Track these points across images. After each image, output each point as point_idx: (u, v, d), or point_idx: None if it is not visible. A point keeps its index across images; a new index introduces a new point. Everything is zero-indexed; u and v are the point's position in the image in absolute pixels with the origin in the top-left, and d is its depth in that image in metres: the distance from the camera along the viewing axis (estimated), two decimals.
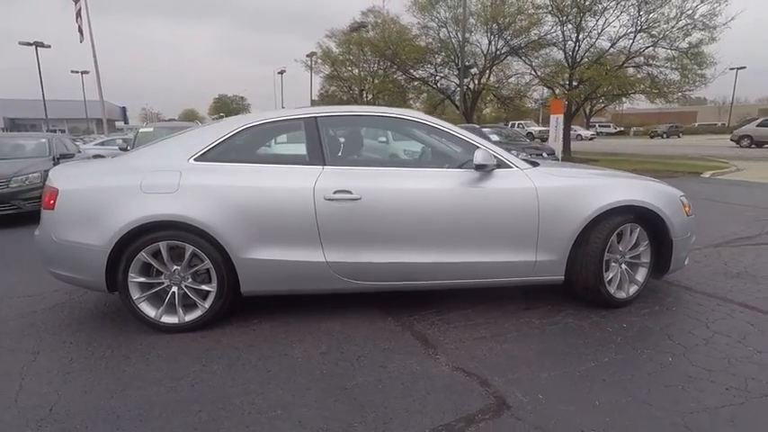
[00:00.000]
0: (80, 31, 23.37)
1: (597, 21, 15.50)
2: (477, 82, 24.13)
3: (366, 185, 2.74)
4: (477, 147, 2.83)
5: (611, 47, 16.05)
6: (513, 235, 2.84)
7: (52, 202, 2.70)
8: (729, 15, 13.79)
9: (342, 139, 3.11)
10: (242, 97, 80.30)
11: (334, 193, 2.71)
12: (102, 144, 17.53)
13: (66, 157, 7.88)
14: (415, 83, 26.00)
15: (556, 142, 12.39)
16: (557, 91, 18.22)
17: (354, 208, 2.72)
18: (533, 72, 19.47)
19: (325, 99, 35.19)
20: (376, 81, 33.50)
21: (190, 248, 2.67)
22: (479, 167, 2.76)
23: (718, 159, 14.64)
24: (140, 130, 9.10)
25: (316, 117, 2.92)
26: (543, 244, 2.86)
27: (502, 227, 2.82)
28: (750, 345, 2.45)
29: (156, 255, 2.69)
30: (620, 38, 15.56)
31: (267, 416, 1.90)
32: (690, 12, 14.10)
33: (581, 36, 16.25)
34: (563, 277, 2.95)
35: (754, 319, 2.79)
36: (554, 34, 17.44)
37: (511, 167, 2.91)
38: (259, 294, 2.84)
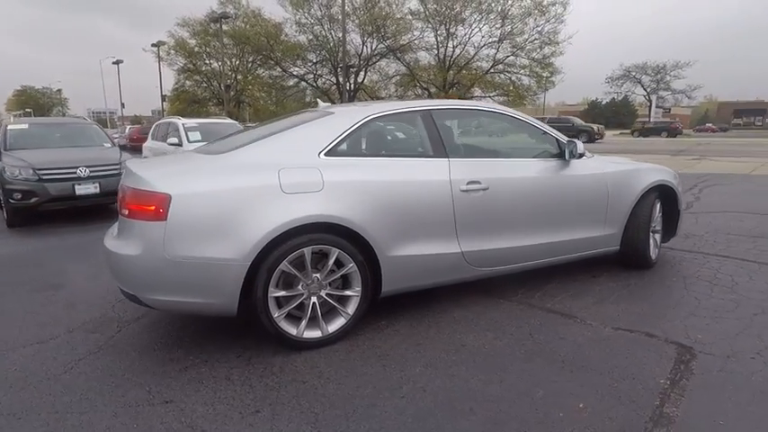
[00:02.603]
0: None
1: (466, 31, 17.77)
2: (353, 81, 24.81)
3: (490, 176, 2.87)
4: (572, 140, 3.20)
5: (475, 54, 18.51)
6: (593, 213, 3.30)
7: (162, 210, 2.16)
8: (568, 34, 17.12)
9: (453, 132, 3.15)
10: (58, 90, 66.51)
11: (467, 184, 2.78)
12: None
13: None
14: (291, 80, 25.37)
15: None
16: (432, 90, 20.14)
17: (484, 198, 2.83)
18: (410, 73, 21.01)
19: (182, 95, 31.66)
20: (239, 77, 31.58)
21: (335, 252, 2.43)
22: (581, 156, 3.15)
23: None
24: (10, 127, 7.06)
25: (430, 110, 2.91)
26: (609, 220, 3.39)
27: (586, 207, 3.26)
28: (762, 280, 3.36)
29: (295, 263, 2.38)
30: (483, 46, 18.12)
31: (554, 397, 1.96)
32: (539, 29, 17.13)
33: (453, 42, 18.32)
34: (619, 247, 3.53)
35: (739, 264, 3.76)
36: (428, 39, 19.28)
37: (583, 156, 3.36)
38: (394, 294, 2.73)
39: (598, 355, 2.31)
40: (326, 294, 2.49)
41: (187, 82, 31.51)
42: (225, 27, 26.59)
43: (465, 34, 18.68)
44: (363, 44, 24.20)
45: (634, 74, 45.54)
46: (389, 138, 3.09)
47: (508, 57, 18.33)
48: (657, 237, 3.83)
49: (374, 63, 24.60)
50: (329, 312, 2.54)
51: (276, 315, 2.36)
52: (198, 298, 2.25)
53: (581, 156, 3.16)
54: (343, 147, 2.59)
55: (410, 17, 20.11)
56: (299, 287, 2.43)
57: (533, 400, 1.94)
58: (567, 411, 1.86)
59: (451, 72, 18.83)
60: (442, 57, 19.43)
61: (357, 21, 22.42)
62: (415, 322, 2.77)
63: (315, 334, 2.46)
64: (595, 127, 24.84)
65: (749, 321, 2.66)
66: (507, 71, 18.64)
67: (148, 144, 10.30)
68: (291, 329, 2.41)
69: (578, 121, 26.36)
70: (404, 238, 2.61)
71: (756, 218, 5.52)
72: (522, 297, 3.14)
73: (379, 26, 21.37)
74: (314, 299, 2.46)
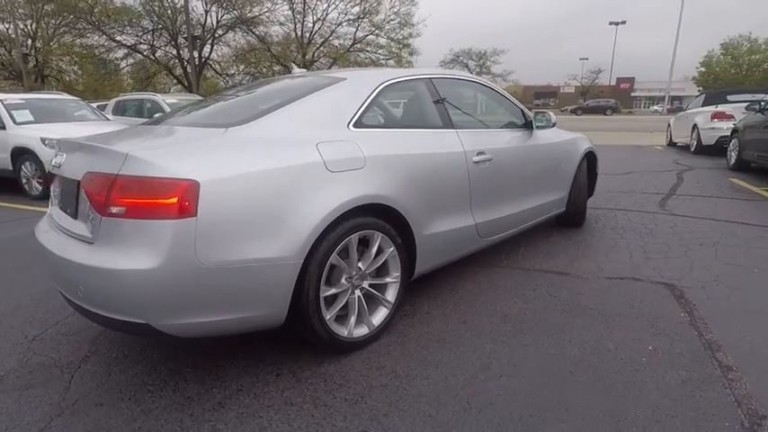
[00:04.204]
0: None
1: (324, 6, 17.33)
2: (197, 55, 22.06)
3: (491, 147, 2.89)
4: (541, 111, 3.41)
5: (333, 31, 18.31)
6: (558, 178, 3.63)
7: (188, 203, 1.59)
8: (422, 17, 18.07)
9: (449, 102, 3.00)
10: None
11: (477, 155, 2.74)
12: None
13: None
14: (120, 51, 21.17)
15: None
16: (293, 70, 19.14)
17: (490, 168, 2.84)
18: (266, 48, 19.60)
19: None
20: (38, 44, 25.31)
21: (378, 236, 2.16)
22: (554, 125, 3.38)
23: None
24: None
25: (431, 78, 2.76)
26: (560, 184, 3.77)
27: (556, 172, 3.57)
28: (663, 224, 4.16)
29: (341, 253, 2.04)
30: (341, 23, 17.99)
31: (624, 346, 2.08)
32: (395, 9, 17.74)
33: (313, 18, 17.70)
34: (565, 208, 3.97)
35: (638, 214, 4.60)
36: (286, 13, 18.18)
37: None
38: (422, 275, 2.57)
39: (620, 303, 2.57)
40: (369, 285, 2.21)
41: None
42: None
43: (324, 10, 18.35)
44: (207, 13, 21.70)
45: (462, 58, 51.06)
46: (401, 107, 2.85)
47: (368, 36, 18.73)
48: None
49: (221, 36, 22.31)
50: (368, 304, 2.26)
51: (328, 317, 2.00)
52: (242, 312, 1.75)
53: (553, 125, 3.42)
54: (367, 117, 2.29)
55: None
56: (342, 281, 2.09)
57: (612, 353, 2.07)
58: (646, 356, 2.03)
59: (312, 47, 18.31)
60: (300, 32, 18.71)
61: None
62: (438, 302, 2.67)
63: (362, 331, 2.18)
64: None
65: (687, 258, 3.28)
66: (367, 50, 19.04)
67: None
68: (342, 330, 2.08)
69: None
70: (433, 215, 2.47)
71: (614, 177, 6.80)
72: (510, 262, 3.30)
73: None
74: (357, 292, 2.16)
